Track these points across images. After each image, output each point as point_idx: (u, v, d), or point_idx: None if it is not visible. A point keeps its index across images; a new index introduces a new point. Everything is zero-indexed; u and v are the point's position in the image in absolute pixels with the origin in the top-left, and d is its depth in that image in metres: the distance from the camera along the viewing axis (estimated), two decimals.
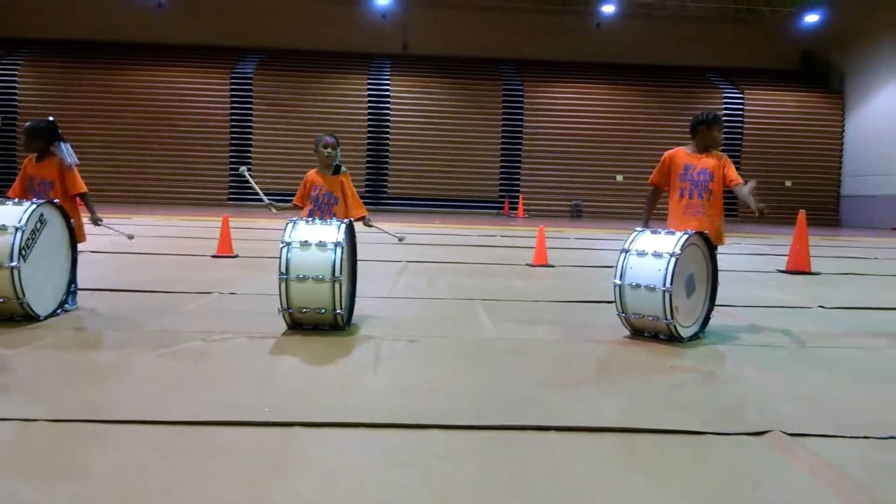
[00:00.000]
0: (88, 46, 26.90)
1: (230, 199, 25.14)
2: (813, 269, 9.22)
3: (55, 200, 4.91)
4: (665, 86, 27.87)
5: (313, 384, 3.50)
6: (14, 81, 25.63)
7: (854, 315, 6.13)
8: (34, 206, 4.62)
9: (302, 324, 4.62)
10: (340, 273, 4.43)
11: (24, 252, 4.46)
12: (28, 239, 4.51)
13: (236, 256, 8.95)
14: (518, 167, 27.21)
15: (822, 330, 5.37)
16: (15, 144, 24.57)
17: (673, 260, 4.44)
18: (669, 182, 5.10)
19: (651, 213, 5.16)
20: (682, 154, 5.08)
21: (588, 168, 26.87)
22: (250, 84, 26.44)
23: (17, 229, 4.43)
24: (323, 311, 4.50)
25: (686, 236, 4.57)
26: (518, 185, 27.04)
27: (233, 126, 26.19)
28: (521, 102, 27.29)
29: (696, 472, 2.54)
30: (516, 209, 25.42)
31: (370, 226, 5.39)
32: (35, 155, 5.18)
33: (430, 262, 9.13)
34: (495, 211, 26.35)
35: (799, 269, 9.19)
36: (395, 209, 25.50)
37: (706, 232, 4.80)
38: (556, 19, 28.71)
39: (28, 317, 4.58)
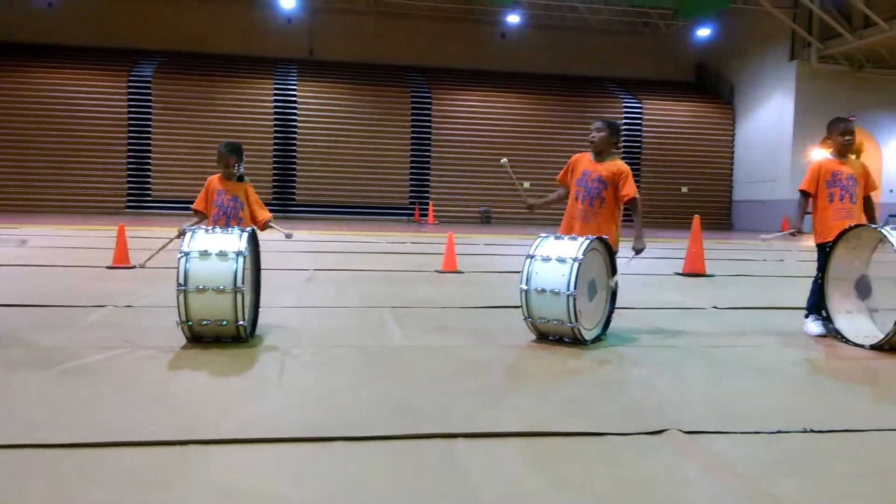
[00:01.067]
0: None
1: (128, 207, 24.12)
2: (707, 272, 9.66)
3: None
4: (568, 95, 28.66)
5: (213, 399, 3.37)
6: None
7: (745, 314, 6.45)
8: None
9: (202, 336, 4.45)
10: (242, 283, 4.30)
11: None
12: None
13: (133, 267, 8.57)
14: (428, 174, 27.33)
15: (715, 330, 5.63)
16: None
17: (576, 265, 4.54)
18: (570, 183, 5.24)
19: (545, 205, 5.39)
20: (585, 159, 5.22)
21: (496, 175, 27.26)
22: (149, 87, 25.45)
23: None
24: (224, 322, 4.35)
25: (588, 242, 4.69)
26: (428, 192, 27.16)
27: (130, 131, 25.14)
28: (430, 110, 27.44)
29: (598, 473, 2.59)
30: (427, 216, 25.52)
31: (268, 226, 5.25)
32: None
33: (339, 269, 9.02)
34: (406, 218, 26.36)
35: (695, 271, 9.61)
36: (303, 216, 25.10)
37: (606, 237, 4.94)
38: (461, 28, 29.06)
39: None
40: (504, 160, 5.68)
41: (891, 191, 25.29)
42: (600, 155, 5.16)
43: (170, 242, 5.18)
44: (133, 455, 2.61)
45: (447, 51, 28.86)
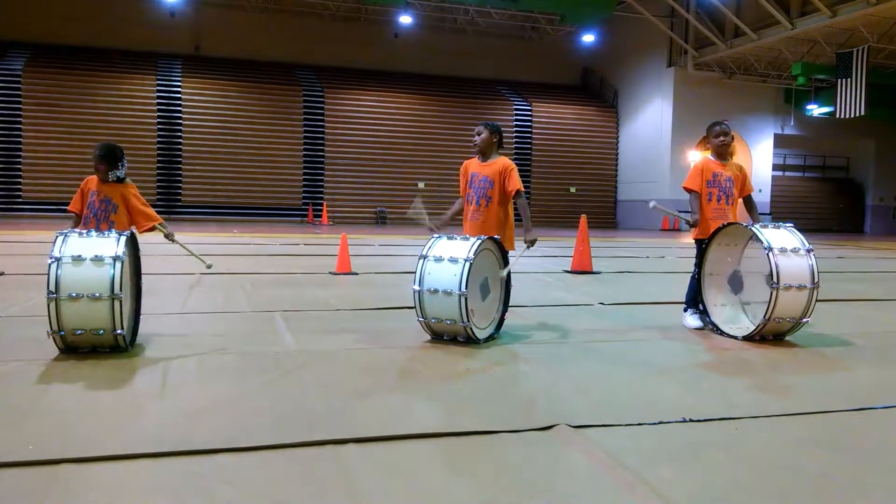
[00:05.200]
0: None
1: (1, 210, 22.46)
2: (595, 269, 10.01)
3: None
4: (461, 97, 29.00)
5: (88, 414, 3.17)
6: None
7: (629, 310, 6.72)
8: None
9: (77, 347, 4.19)
10: (121, 290, 4.07)
11: None
12: None
13: (2, 274, 7.97)
14: (322, 174, 26.94)
15: (602, 325, 5.83)
16: None
17: (467, 265, 4.58)
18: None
19: (449, 221, 5.40)
20: (474, 164, 5.32)
21: (391, 175, 27.25)
22: (19, 81, 23.79)
23: None
24: (101, 332, 4.10)
25: (479, 241, 4.74)
26: (322, 192, 26.77)
27: None
28: (322, 109, 27.06)
29: (486, 471, 2.62)
30: (320, 216, 25.15)
31: (172, 239, 5.00)
32: None
33: (228, 273, 8.73)
34: (299, 219, 25.88)
35: (582, 269, 9.93)
36: (190, 218, 24.18)
37: (498, 237, 5.02)
38: (354, 27, 28.84)
39: None
40: (417, 200, 5.74)
41: (759, 190, 27.09)
42: (485, 156, 5.28)
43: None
44: (3, 477, 2.42)
45: (340, 49, 28.57)
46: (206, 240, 14.42)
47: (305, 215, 26.06)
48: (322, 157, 26.99)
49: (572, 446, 2.87)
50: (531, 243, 5.17)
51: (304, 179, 26.74)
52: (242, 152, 25.65)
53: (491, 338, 4.95)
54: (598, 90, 32.32)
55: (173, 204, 24.87)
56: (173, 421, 3.09)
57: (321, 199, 26.53)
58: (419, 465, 2.64)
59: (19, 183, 23.46)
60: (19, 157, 23.52)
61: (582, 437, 2.97)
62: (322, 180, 26.99)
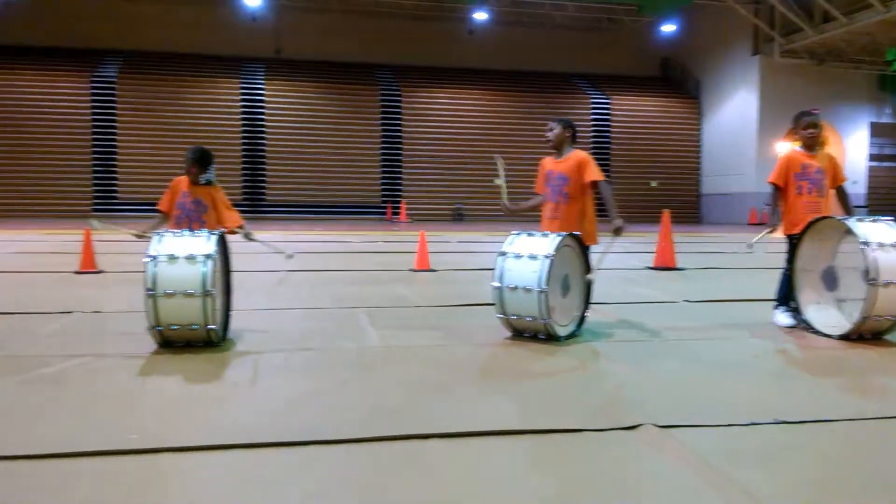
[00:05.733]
0: None
1: (95, 210, 23.67)
2: (678, 265, 9.76)
3: None
4: (537, 92, 28.77)
5: (184, 405, 3.32)
6: None
7: (716, 307, 6.53)
8: None
9: (172, 341, 4.39)
10: (212, 287, 4.24)
11: None
12: None
13: (101, 272, 8.42)
14: (399, 172, 27.26)
15: (687, 323, 5.68)
16: None
17: (548, 261, 4.55)
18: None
19: (523, 211, 5.44)
20: (549, 161, 5.27)
21: (468, 171, 27.30)
22: (113, 88, 25.02)
23: None
24: (195, 327, 4.28)
25: (560, 238, 4.71)
26: (400, 190, 27.09)
27: (95, 133, 24.69)
28: (399, 107, 27.36)
29: (573, 470, 2.60)
30: (399, 214, 25.45)
31: (251, 238, 5.20)
32: None
33: (311, 270, 8.95)
34: (378, 216, 26.27)
35: (665, 265, 9.71)
36: (274, 217, 24.89)
37: (579, 233, 4.96)
38: (429, 25, 29.01)
39: None
40: (497, 158, 5.74)
41: (854, 182, 25.81)
42: (559, 152, 5.22)
43: (126, 234, 5.22)
44: (106, 464, 2.56)
45: (416, 48, 28.79)
46: (289, 238, 14.83)
47: (384, 213, 26.42)
48: (400, 155, 27.30)
49: (659, 446, 2.82)
50: (617, 231, 5.00)
51: (383, 177, 27.11)
52: (323, 152, 26.22)
53: (572, 335, 4.91)
54: (679, 81, 31.46)
55: (258, 203, 25.65)
56: (264, 413, 3.19)
57: (399, 196, 26.83)
58: (503, 462, 2.65)
59: (115, 184, 24.69)
60: (115, 159, 24.74)
61: (669, 437, 2.91)
62: (400, 178, 27.30)
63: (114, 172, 24.68)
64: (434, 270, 9.04)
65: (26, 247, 12.22)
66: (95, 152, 24.66)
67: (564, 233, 4.81)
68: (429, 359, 4.33)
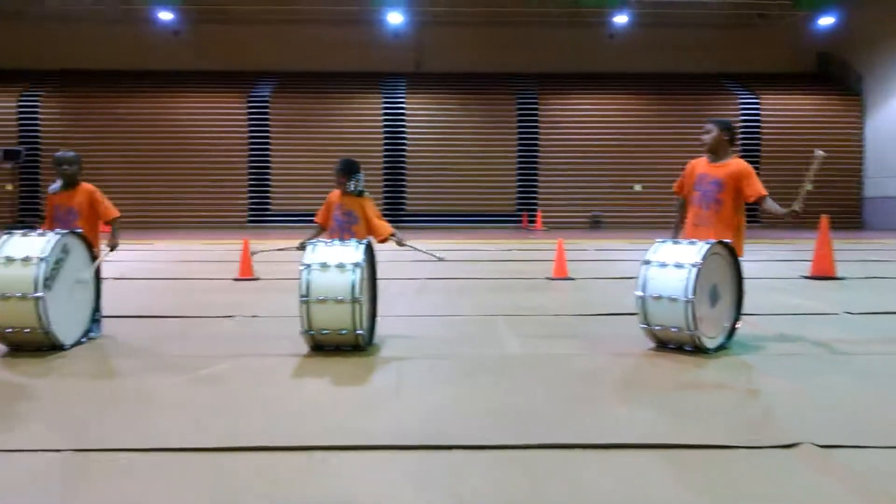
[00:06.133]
0: (108, 76, 27.35)
1: (250, 222, 25.33)
2: (838, 274, 9.08)
3: (78, 230, 4.97)
4: (680, 93, 27.75)
5: (335, 406, 3.49)
6: (36, 113, 26.09)
7: (880, 320, 6.03)
8: (57, 237, 4.67)
9: (323, 345, 4.62)
10: (360, 293, 4.44)
11: (48, 282, 4.51)
12: (52, 269, 4.56)
13: (257, 279, 9.00)
14: (535, 180, 27.18)
15: (848, 337, 5.28)
16: (38, 174, 25.00)
17: (695, 270, 4.39)
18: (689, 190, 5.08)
19: (680, 223, 5.15)
20: (701, 164, 5.04)
21: (606, 178, 26.77)
22: (267, 108, 26.71)
23: (41, 260, 4.49)
24: (344, 332, 4.50)
25: (708, 246, 4.53)
26: (536, 198, 27.00)
27: (251, 150, 26.44)
28: (536, 115, 27.30)
29: (725, 488, 2.50)
30: (535, 222, 25.37)
31: (402, 244, 5.41)
32: (59, 185, 5.24)
33: (450, 278, 9.11)
34: (514, 224, 26.32)
35: (823, 274, 9.06)
36: (413, 226, 25.55)
37: (730, 241, 4.74)
38: (568, 32, 28.75)
39: (54, 346, 4.62)
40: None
41: None
42: (715, 156, 4.97)
43: (287, 249, 5.56)
44: (264, 459, 2.75)
45: (554, 55, 28.62)
46: (429, 247, 15.18)
47: (520, 221, 26.42)
48: (536, 163, 27.21)
49: (819, 467, 2.65)
50: (794, 214, 4.93)
51: (519, 186, 27.12)
52: (460, 162, 26.63)
53: (721, 348, 4.70)
54: (839, 76, 29.26)
55: (398, 213, 26.44)
56: (409, 416, 3.30)
57: (535, 204, 26.74)
58: (652, 477, 2.59)
59: (268, 197, 26.30)
60: (268, 174, 26.36)
61: (831, 457, 2.73)
62: (536, 186, 27.20)
63: (267, 186, 26.30)
64: (572, 279, 8.94)
65: (190, 256, 13.27)
66: (251, 168, 26.40)
67: (713, 240, 4.62)
68: (571, 368, 4.29)
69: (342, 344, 4.61)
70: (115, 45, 27.58)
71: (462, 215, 26.47)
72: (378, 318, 5.09)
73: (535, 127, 27.45)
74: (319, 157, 25.23)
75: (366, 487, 2.49)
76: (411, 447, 2.86)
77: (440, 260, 5.71)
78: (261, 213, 25.98)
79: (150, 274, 9.60)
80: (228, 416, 3.32)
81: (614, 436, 2.98)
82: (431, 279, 8.86)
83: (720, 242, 4.67)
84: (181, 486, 2.51)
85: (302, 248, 5.20)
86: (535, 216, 25.75)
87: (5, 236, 4.72)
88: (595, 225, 26.04)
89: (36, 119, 26.07)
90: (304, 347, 4.65)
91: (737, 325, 4.87)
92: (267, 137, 26.52)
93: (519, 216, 26.64)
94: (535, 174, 27.39)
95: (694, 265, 4.41)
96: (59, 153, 5.24)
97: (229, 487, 2.49)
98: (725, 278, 4.79)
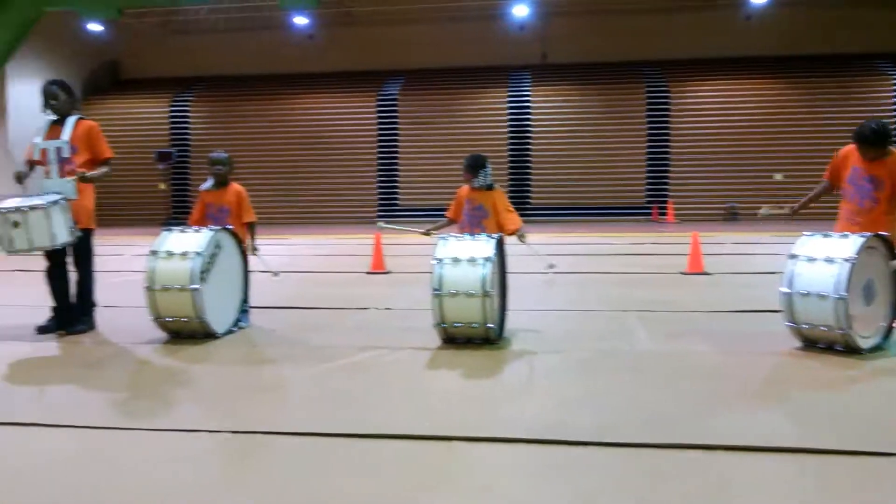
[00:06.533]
0: (248, 80, 29.02)
1: (379, 216, 26.10)
2: None
3: (230, 227, 5.32)
4: (825, 76, 25.93)
5: (469, 398, 3.55)
6: (187, 116, 28.07)
7: None
8: (212, 234, 5.03)
9: (455, 338, 4.71)
10: (491, 288, 4.48)
11: (203, 276, 4.86)
12: (207, 263, 4.91)
13: (388, 273, 9.26)
14: (666, 171, 26.27)
15: None
16: (188, 174, 26.91)
17: (848, 266, 4.11)
18: (840, 181, 4.76)
19: (808, 204, 4.92)
20: (855, 155, 4.70)
21: (743, 168, 25.45)
22: (395, 105, 27.39)
23: (197, 255, 4.84)
24: (475, 325, 4.56)
25: (863, 239, 4.23)
26: (667, 190, 26.11)
27: (380, 146, 27.22)
28: (667, 104, 26.37)
29: (869, 499, 2.33)
30: (665, 214, 24.56)
31: (524, 241, 5.42)
32: (211, 184, 5.62)
33: (579, 272, 9.00)
34: (643, 217, 25.59)
35: None
36: (539, 220, 25.43)
37: (888, 234, 4.40)
38: (700, 16, 27.54)
39: (207, 335, 4.98)
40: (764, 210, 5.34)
41: None
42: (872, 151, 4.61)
43: (413, 232, 5.84)
44: (405, 446, 2.84)
45: (685, 41, 27.52)
46: (555, 240, 15.06)
47: (650, 214, 25.66)
48: (667, 153, 26.29)
49: None
50: None
51: (648, 177, 26.31)
52: (587, 154, 26.19)
53: (877, 348, 4.37)
54: None
55: (523, 206, 26.36)
56: (542, 410, 3.31)
57: (665, 196, 25.87)
58: (790, 483, 2.47)
59: (396, 192, 26.99)
60: (396, 170, 27.05)
61: None
62: (667, 177, 26.28)
63: (395, 182, 26.99)
64: (708, 273, 8.59)
65: (324, 250, 13.86)
66: (380, 164, 27.18)
67: (868, 233, 4.31)
68: (707, 366, 4.14)
69: (473, 337, 4.67)
70: (254, 52, 29.22)
71: (589, 208, 26.02)
72: (508, 312, 5.12)
73: (666, 116, 26.52)
74: (446, 151, 25.62)
75: (503, 478, 2.53)
76: (546, 441, 2.87)
77: (552, 267, 5.74)
78: (389, 207, 26.67)
79: (288, 267, 10.11)
80: (368, 404, 3.46)
81: (752, 438, 2.85)
82: (561, 273, 8.79)
83: (877, 236, 4.35)
84: (324, 468, 2.65)
85: (427, 234, 5.44)
86: (666, 208, 24.93)
87: (165, 233, 5.13)
88: (731, 217, 24.86)
89: (186, 122, 28.06)
90: (437, 340, 4.75)
91: (894, 325, 4.51)
92: (395, 134, 27.21)
93: (649, 208, 25.86)
94: (667, 164, 26.47)
95: (847, 260, 4.13)
96: (213, 154, 5.63)
97: (371, 473, 2.60)
98: (882, 274, 4.45)
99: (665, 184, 26.28)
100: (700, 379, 3.86)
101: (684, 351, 4.54)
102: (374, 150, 27.14)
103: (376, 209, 26.74)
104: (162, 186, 26.57)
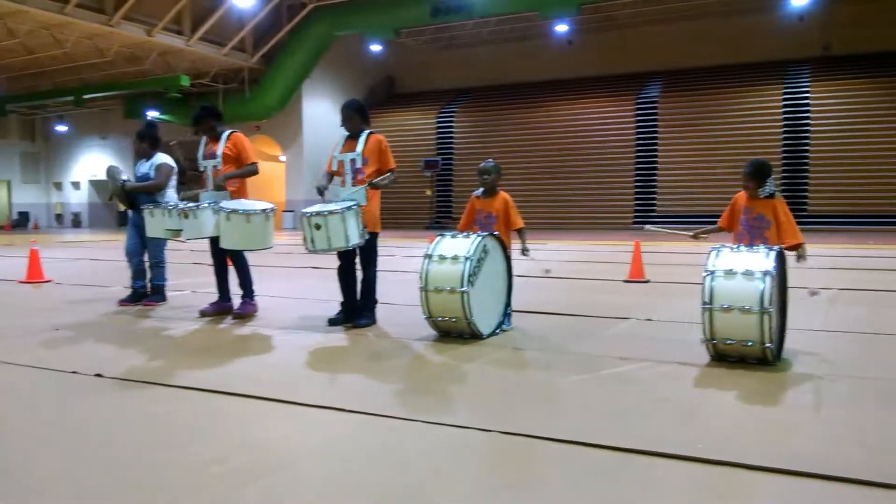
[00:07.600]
0: (508, 89, 29.99)
1: (635, 223, 25.45)
2: None
3: (496, 233, 5.54)
4: None
5: (746, 423, 3.32)
6: (451, 126, 29.74)
7: None
8: (479, 239, 5.28)
9: (726, 355, 4.43)
10: (770, 304, 4.15)
11: (471, 279, 5.11)
12: (475, 267, 5.17)
13: (648, 281, 9.00)
14: None
15: None
16: (451, 181, 28.47)
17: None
18: None
19: None
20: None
21: None
22: (655, 107, 26.53)
23: (466, 259, 5.11)
24: (750, 343, 4.25)
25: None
26: None
27: (638, 150, 26.53)
28: None
29: None
30: None
31: (802, 260, 4.91)
32: (482, 192, 5.90)
33: (868, 289, 8.01)
34: None
35: None
36: (816, 228, 23.02)
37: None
38: None
39: (474, 335, 5.23)
40: None
41: None
42: None
43: (680, 237, 5.67)
44: (683, 468, 2.73)
45: None
46: (837, 252, 13.55)
47: None
48: None
49: None
50: None
51: None
52: (874, 155, 23.19)
53: None
54: None
55: (799, 215, 24.05)
56: (835, 443, 2.99)
57: None
58: None
59: (654, 197, 26.09)
60: (655, 174, 26.17)
61: None
62: None
63: (653, 186, 26.12)
64: None
65: (580, 256, 13.82)
66: (637, 169, 26.49)
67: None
68: None
69: (747, 356, 4.37)
70: (514, 61, 30.18)
71: (876, 216, 23.05)
72: (787, 332, 4.71)
73: None
74: (709, 155, 24.33)
75: None
76: (836, 479, 2.59)
77: (814, 293, 5.41)
78: (646, 213, 25.90)
79: (548, 273, 10.26)
80: (632, 418, 3.39)
81: None
82: (846, 290, 7.90)
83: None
84: (595, 480, 2.64)
85: (696, 237, 5.31)
86: None
87: (438, 237, 5.48)
88: None
89: (450, 132, 29.73)
90: (704, 356, 4.51)
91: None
92: (655, 137, 26.36)
93: None
94: None
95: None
96: (482, 164, 5.90)
97: (644, 491, 2.55)
98: None
99: None
100: None
101: None
102: (633, 155, 26.54)
103: (633, 215, 26.10)
104: (428, 193, 28.43)
